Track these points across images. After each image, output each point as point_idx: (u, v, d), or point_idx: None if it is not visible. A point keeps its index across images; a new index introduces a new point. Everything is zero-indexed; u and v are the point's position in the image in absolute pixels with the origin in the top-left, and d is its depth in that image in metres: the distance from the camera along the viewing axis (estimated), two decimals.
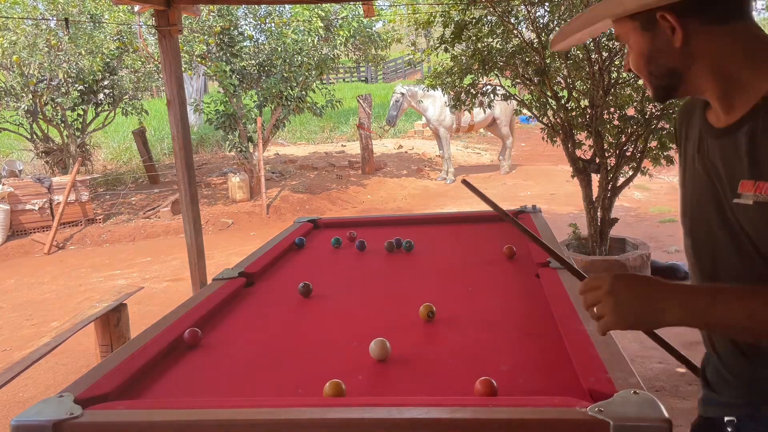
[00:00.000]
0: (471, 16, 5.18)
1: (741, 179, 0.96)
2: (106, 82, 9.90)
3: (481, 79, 5.36)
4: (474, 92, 5.34)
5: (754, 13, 4.19)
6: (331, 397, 1.36)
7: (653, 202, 8.24)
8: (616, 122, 4.90)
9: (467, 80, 5.40)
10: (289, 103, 9.53)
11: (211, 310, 2.07)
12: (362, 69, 23.51)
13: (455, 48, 5.31)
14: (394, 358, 1.60)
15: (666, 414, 1.09)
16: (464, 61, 5.24)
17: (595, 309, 1.05)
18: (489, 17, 5.19)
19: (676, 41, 0.99)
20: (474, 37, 5.14)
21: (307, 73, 9.49)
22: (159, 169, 11.43)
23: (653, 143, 4.84)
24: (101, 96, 10.00)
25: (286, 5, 9.98)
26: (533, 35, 5.03)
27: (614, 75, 4.87)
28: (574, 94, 5.07)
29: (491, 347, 1.67)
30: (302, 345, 1.80)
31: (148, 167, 11.13)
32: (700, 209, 1.09)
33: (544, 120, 5.21)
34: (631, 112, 4.93)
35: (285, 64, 9.41)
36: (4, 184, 8.10)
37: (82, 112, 10.16)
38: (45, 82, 9.34)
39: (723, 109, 1.03)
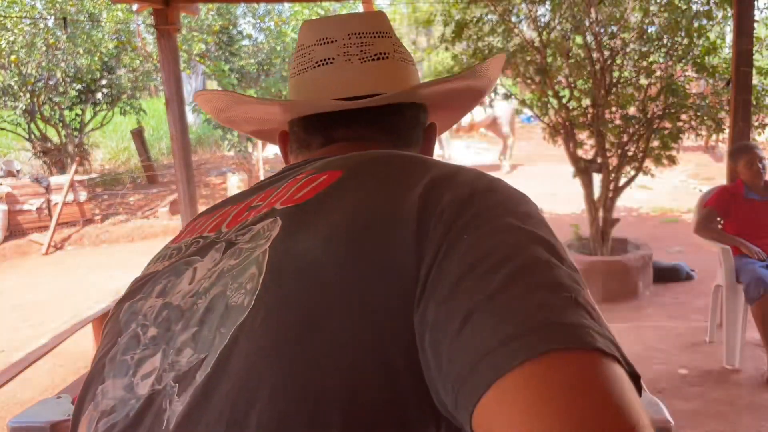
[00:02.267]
0: (472, 15, 5.16)
1: None
2: (104, 82, 9.87)
3: None
4: None
5: (756, 12, 4.17)
6: None
7: (655, 202, 8.23)
8: (617, 122, 4.88)
9: None
10: None
11: None
12: None
13: (456, 47, 5.29)
14: None
15: (668, 416, 1.06)
16: (465, 60, 5.22)
17: None
18: (490, 16, 5.17)
19: None
20: (475, 36, 5.12)
21: None
22: (157, 168, 11.39)
23: (655, 143, 4.82)
24: (99, 95, 9.97)
25: (285, 4, 9.96)
26: (534, 34, 5.01)
27: (616, 74, 4.85)
28: (575, 93, 5.05)
29: None
30: None
31: (147, 167, 11.10)
32: None
33: (546, 119, 5.19)
34: (632, 111, 4.91)
35: (284, 63, 9.39)
36: (1, 184, 8.06)
37: (80, 112, 10.13)
38: (43, 81, 9.31)
39: None
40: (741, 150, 3.48)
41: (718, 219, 3.52)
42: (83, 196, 8.60)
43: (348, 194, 0.58)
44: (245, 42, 9.86)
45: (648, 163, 4.93)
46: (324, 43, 0.78)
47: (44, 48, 8.94)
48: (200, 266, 0.61)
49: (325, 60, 0.77)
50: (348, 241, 0.52)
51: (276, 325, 0.49)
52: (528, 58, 5.01)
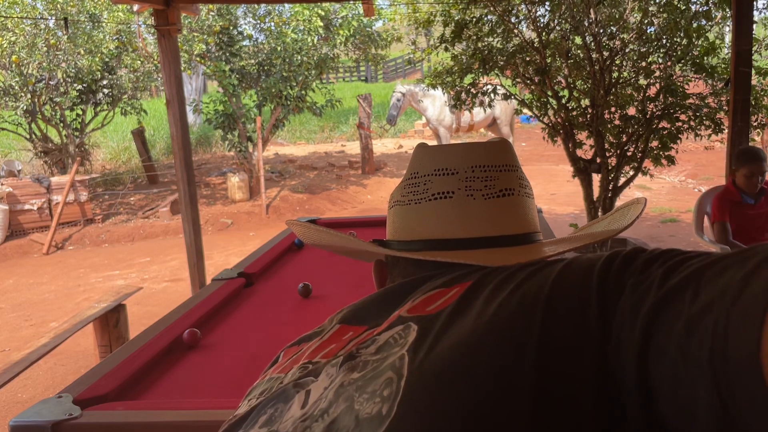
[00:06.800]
0: (471, 15, 5.17)
1: None
2: (105, 82, 9.87)
3: (481, 78, 5.35)
4: (474, 92, 5.33)
5: (755, 13, 4.17)
6: None
7: (654, 202, 8.22)
8: (617, 122, 4.89)
9: (467, 80, 5.39)
10: (289, 102, 9.51)
11: (210, 311, 2.05)
12: (362, 68, 23.49)
13: (455, 47, 5.30)
14: None
15: None
16: (464, 60, 5.22)
17: None
18: (489, 16, 5.18)
19: None
20: (474, 37, 5.13)
21: (306, 73, 9.48)
22: (158, 169, 11.41)
23: (654, 143, 4.83)
24: (100, 96, 9.98)
25: (285, 4, 9.96)
26: (534, 34, 5.02)
27: (615, 74, 4.86)
28: (574, 93, 5.06)
29: None
30: None
31: (147, 167, 11.11)
32: None
33: (545, 120, 5.20)
34: (632, 111, 4.92)
35: (284, 64, 9.39)
36: (3, 184, 8.07)
37: (81, 112, 10.13)
38: (44, 81, 9.32)
39: None
40: (747, 157, 3.42)
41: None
42: (84, 196, 8.62)
43: (489, 292, 0.53)
44: (246, 42, 9.86)
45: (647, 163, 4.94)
46: (443, 174, 0.72)
47: (45, 48, 8.95)
48: (314, 387, 0.55)
49: (443, 193, 0.71)
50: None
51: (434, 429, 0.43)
52: (527, 58, 5.02)
